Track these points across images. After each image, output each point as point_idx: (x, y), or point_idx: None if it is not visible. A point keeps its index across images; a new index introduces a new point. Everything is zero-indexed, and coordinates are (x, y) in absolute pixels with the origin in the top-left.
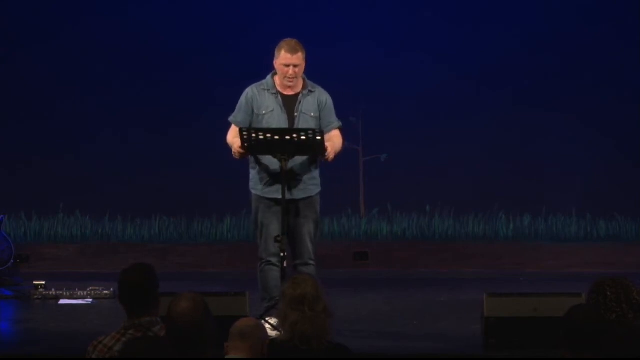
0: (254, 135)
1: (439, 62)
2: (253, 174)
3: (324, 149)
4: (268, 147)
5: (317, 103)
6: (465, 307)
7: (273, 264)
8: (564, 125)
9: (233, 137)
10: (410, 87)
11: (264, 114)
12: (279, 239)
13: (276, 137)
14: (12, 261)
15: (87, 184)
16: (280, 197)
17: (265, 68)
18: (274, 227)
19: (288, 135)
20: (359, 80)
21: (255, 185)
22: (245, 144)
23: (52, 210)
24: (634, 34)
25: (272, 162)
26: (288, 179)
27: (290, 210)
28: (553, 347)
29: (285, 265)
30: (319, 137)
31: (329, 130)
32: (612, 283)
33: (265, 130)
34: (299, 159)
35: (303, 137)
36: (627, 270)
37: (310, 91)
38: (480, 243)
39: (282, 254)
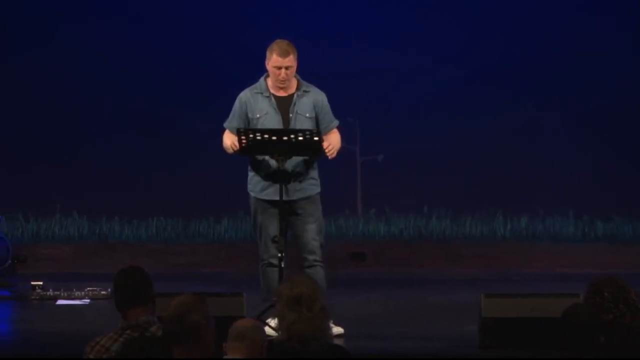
0: (251, 135)
1: (439, 62)
2: (251, 175)
3: (322, 150)
4: (265, 147)
5: (312, 103)
6: (462, 308)
7: (273, 265)
8: (561, 125)
9: (229, 140)
10: (410, 87)
11: (258, 118)
12: (276, 239)
13: (273, 138)
14: (9, 262)
15: (85, 185)
16: (277, 198)
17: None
18: (273, 228)
19: (285, 136)
20: (358, 80)
21: (254, 187)
22: (243, 144)
23: (50, 211)
24: (635, 34)
25: (268, 164)
26: (286, 179)
27: (290, 211)
28: (550, 347)
29: (283, 265)
30: (316, 138)
31: (329, 131)
32: (610, 284)
33: (262, 131)
34: (295, 159)
35: (300, 138)
36: (625, 271)
37: (305, 91)
38: (477, 244)
39: (279, 255)
